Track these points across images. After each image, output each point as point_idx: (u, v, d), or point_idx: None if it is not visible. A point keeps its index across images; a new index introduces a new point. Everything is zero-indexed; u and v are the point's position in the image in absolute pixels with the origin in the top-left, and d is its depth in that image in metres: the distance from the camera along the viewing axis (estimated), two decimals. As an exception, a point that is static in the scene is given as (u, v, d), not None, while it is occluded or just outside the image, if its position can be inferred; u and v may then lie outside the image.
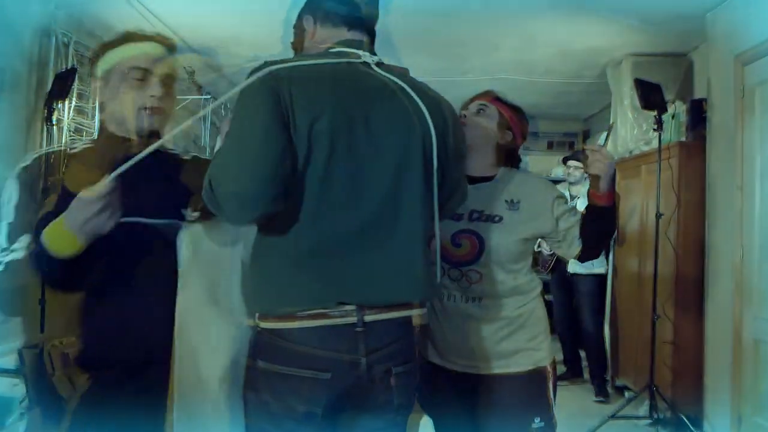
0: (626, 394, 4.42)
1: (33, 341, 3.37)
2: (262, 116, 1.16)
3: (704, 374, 3.59)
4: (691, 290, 3.72)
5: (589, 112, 6.75)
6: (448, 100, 1.43)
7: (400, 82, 1.31)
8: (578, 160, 4.65)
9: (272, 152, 1.14)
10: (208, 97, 5.41)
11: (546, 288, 6.76)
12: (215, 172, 1.17)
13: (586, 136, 7.03)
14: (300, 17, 1.43)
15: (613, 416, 3.69)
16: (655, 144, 4.02)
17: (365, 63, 1.31)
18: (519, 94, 6.14)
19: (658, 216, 3.68)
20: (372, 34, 1.40)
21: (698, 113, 3.76)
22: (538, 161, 6.91)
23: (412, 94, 1.31)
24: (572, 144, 7.01)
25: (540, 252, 4.94)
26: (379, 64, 1.35)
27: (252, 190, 1.13)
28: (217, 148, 1.26)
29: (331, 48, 1.33)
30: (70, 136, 3.87)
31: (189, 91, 5.38)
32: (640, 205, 4.33)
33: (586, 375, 4.83)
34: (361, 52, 1.31)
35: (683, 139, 3.83)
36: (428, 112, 1.31)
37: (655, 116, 3.66)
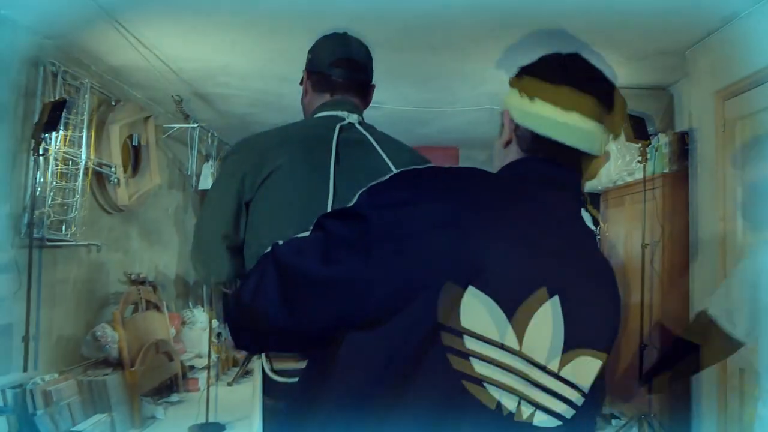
0: (613, 422, 4.43)
1: (17, 381, 3.30)
2: (223, 185, 1.42)
3: (691, 402, 3.62)
4: (677, 319, 3.76)
5: (571, 142, 6.87)
6: (419, 155, 1.54)
7: (370, 137, 1.45)
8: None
9: (219, 219, 1.39)
10: (196, 125, 5.41)
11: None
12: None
13: (569, 165, 7.14)
14: (303, 77, 1.60)
15: (603, 446, 3.69)
16: (638, 175, 4.10)
17: (350, 123, 1.46)
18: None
19: (644, 246, 3.74)
20: (362, 93, 1.57)
21: (681, 145, 3.85)
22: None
23: (377, 147, 1.44)
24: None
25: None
26: (361, 124, 1.50)
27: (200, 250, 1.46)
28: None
29: (318, 113, 1.50)
30: (57, 166, 3.84)
31: (176, 119, 5.38)
32: (624, 235, 4.40)
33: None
34: (345, 114, 1.46)
35: (667, 170, 3.91)
36: (391, 161, 1.42)
37: (640, 148, 3.74)
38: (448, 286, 0.77)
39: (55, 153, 3.80)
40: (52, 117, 3.39)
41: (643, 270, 3.75)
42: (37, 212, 3.61)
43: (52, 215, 3.81)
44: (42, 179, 3.70)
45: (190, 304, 6.29)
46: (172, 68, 4.39)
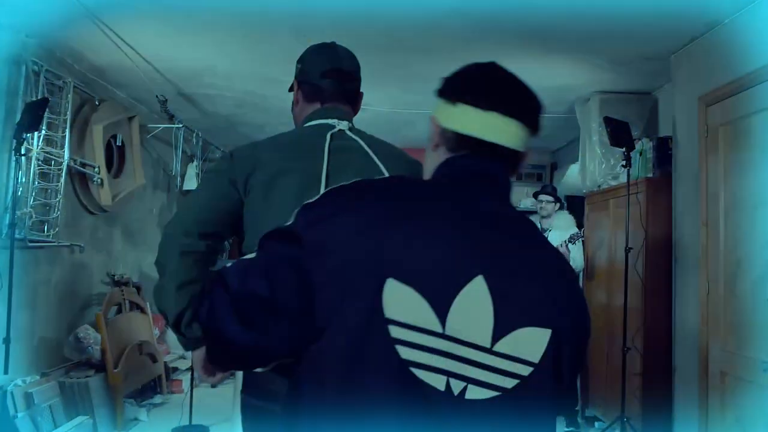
0: (596, 424, 4.46)
1: (-2, 381, 3.24)
2: (208, 185, 1.53)
3: (673, 405, 3.65)
4: (660, 323, 3.80)
5: (558, 145, 6.90)
6: (409, 157, 1.60)
7: (361, 142, 1.53)
8: (548, 193, 4.76)
9: (200, 214, 1.48)
10: (180, 126, 5.37)
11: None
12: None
13: (554, 167, 7.17)
14: (293, 85, 1.66)
15: (586, 449, 3.72)
16: (622, 179, 4.13)
17: (340, 130, 1.52)
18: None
19: (628, 250, 3.76)
20: (351, 101, 1.64)
21: (664, 150, 3.88)
22: (507, 192, 7.02)
23: (369, 151, 1.51)
24: (541, 176, 7.14)
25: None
26: (351, 129, 1.57)
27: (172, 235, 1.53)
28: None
29: (309, 121, 1.57)
30: (39, 166, 3.80)
31: (161, 119, 5.34)
32: (608, 239, 4.43)
33: (557, 406, 4.86)
34: (336, 122, 1.53)
35: (650, 175, 3.95)
36: (384, 165, 1.49)
37: (623, 153, 3.77)
38: (371, 283, 0.85)
39: (37, 153, 3.76)
40: (34, 116, 3.35)
41: (626, 274, 3.78)
42: (18, 213, 3.57)
43: (33, 216, 3.77)
44: (24, 179, 3.66)
45: (174, 305, 6.24)
46: (157, 68, 4.36)
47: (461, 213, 0.94)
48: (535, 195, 4.91)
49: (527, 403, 0.91)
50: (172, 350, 5.53)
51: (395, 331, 0.85)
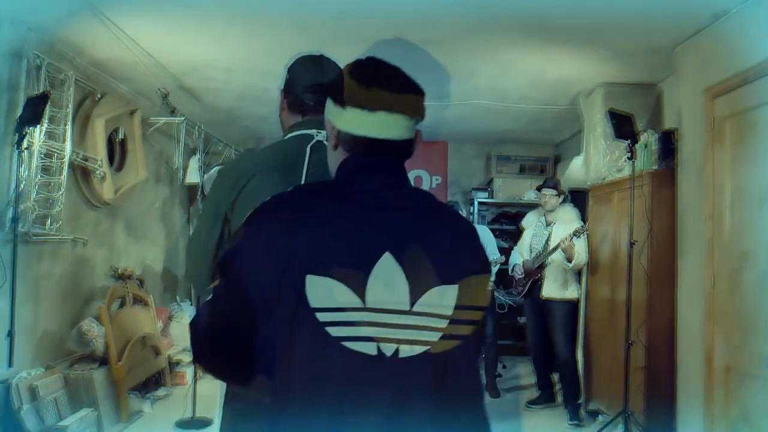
0: (599, 417, 4.46)
1: (2, 376, 3.28)
2: (211, 205, 1.68)
3: (677, 399, 3.64)
4: (664, 317, 3.78)
5: (560, 138, 6.88)
6: None
7: None
8: (552, 187, 4.74)
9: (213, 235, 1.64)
10: (182, 119, 5.35)
11: (520, 311, 6.82)
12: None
13: (557, 161, 7.14)
14: (281, 93, 1.79)
15: (589, 442, 3.72)
16: (626, 171, 4.11)
17: (319, 141, 1.63)
18: (493, 119, 6.30)
19: (632, 243, 3.75)
20: None
21: (669, 143, 3.86)
22: (510, 184, 7.00)
23: None
24: (543, 168, 7.11)
25: (513, 276, 4.99)
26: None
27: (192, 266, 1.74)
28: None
29: (291, 132, 1.70)
30: (41, 160, 3.79)
31: (162, 113, 5.33)
32: (612, 232, 4.41)
33: (559, 399, 4.87)
34: (315, 132, 1.64)
35: (655, 167, 3.92)
36: None
37: (628, 145, 3.74)
38: (293, 282, 1.01)
39: (39, 147, 3.75)
40: (36, 110, 3.34)
41: (630, 267, 3.76)
42: (21, 207, 3.56)
43: (36, 210, 3.76)
44: (26, 173, 3.65)
45: (177, 298, 6.25)
46: (158, 61, 4.34)
47: (364, 204, 1.09)
48: (539, 188, 4.89)
49: (453, 351, 1.06)
50: (175, 343, 5.54)
51: (322, 316, 1.00)
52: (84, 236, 4.48)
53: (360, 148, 1.12)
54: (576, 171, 5.63)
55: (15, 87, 3.61)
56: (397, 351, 1.02)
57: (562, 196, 4.83)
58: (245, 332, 1.08)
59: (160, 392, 4.83)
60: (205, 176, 5.69)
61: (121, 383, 4.18)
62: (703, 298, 3.34)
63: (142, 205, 5.63)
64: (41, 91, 3.60)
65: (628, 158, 3.77)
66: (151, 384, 4.84)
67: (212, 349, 1.15)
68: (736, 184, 3.13)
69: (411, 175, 7.12)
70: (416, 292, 1.03)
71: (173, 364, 5.20)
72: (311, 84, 1.72)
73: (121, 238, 5.19)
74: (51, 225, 3.95)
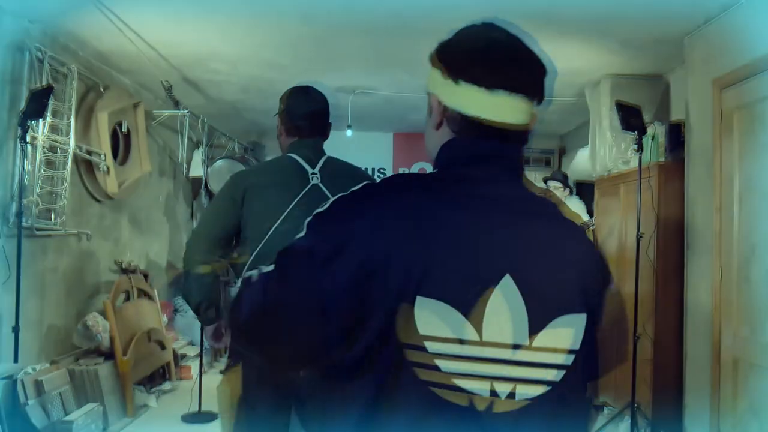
0: (605, 410, 4.44)
1: (7, 371, 3.27)
2: (216, 205, 2.19)
3: (684, 392, 3.63)
4: (671, 309, 3.76)
5: (566, 130, 6.84)
6: (357, 176, 2.16)
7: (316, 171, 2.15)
8: (558, 180, 4.71)
9: (213, 229, 2.14)
10: (186, 112, 5.33)
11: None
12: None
13: (563, 153, 7.11)
14: (278, 119, 2.25)
15: (596, 436, 3.71)
16: (633, 163, 4.07)
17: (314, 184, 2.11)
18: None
19: (640, 236, 3.72)
20: (321, 133, 2.22)
21: (677, 135, 3.82)
22: (515, 177, 6.96)
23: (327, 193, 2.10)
24: (549, 161, 7.08)
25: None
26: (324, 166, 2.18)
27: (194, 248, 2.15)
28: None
29: (289, 152, 2.17)
30: (44, 154, 3.77)
31: (166, 105, 5.30)
32: (619, 224, 4.38)
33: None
34: (309, 172, 2.12)
35: (662, 159, 3.89)
36: (326, 187, 2.11)
37: (635, 137, 3.71)
38: (398, 303, 0.83)
39: (43, 140, 3.73)
40: (39, 104, 3.32)
41: (638, 260, 3.74)
42: (25, 201, 3.55)
43: (40, 204, 3.75)
44: (30, 167, 3.64)
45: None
46: (161, 54, 4.31)
47: (478, 207, 0.90)
48: (545, 181, 4.86)
49: (577, 388, 0.92)
50: (181, 337, 5.54)
51: (433, 347, 0.83)
52: (88, 230, 4.47)
53: (472, 131, 0.93)
54: (582, 163, 5.60)
55: (17, 80, 3.59)
56: (513, 391, 0.87)
57: (568, 190, 4.80)
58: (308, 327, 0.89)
59: (166, 386, 4.84)
60: (209, 169, 5.69)
61: (126, 377, 4.18)
62: (711, 291, 3.31)
63: (147, 199, 5.62)
64: (44, 84, 3.57)
65: (636, 150, 3.73)
66: (156, 378, 4.84)
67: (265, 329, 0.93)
68: (745, 176, 3.10)
69: (415, 167, 7.06)
70: (536, 323, 0.87)
71: (178, 358, 5.20)
72: (305, 113, 2.16)
73: (125, 231, 5.18)
74: (55, 219, 3.94)
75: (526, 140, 0.97)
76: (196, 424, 4.13)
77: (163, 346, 4.89)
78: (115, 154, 4.74)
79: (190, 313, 5.69)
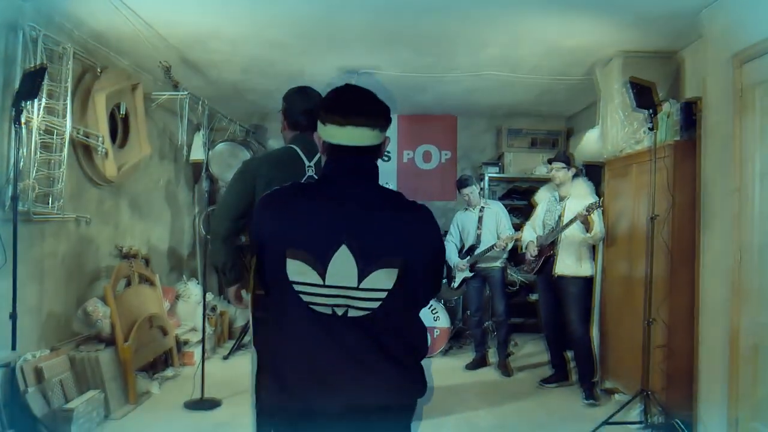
0: (615, 396, 4.37)
1: (5, 358, 3.18)
2: (234, 187, 2.59)
3: (698, 378, 3.54)
4: (685, 293, 3.66)
5: (573, 111, 6.70)
6: None
7: (311, 164, 2.59)
8: (562, 161, 4.57)
9: (234, 206, 2.57)
10: (185, 94, 5.21)
11: (531, 289, 6.70)
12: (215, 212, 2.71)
13: (570, 134, 6.97)
14: (281, 115, 2.74)
15: (609, 422, 3.63)
16: (645, 143, 3.95)
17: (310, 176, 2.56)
18: (503, 92, 6.12)
19: (653, 217, 3.61)
20: None
21: (691, 113, 3.70)
22: (521, 159, 6.84)
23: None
24: (555, 142, 6.95)
25: (527, 253, 4.86)
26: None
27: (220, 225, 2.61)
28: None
29: (291, 143, 2.65)
30: (40, 136, 3.67)
31: (165, 87, 5.18)
32: (631, 206, 4.26)
33: (573, 378, 4.78)
34: (306, 164, 2.57)
35: (677, 138, 3.76)
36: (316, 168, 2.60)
37: (648, 116, 3.58)
38: (279, 258, 1.50)
39: (38, 123, 3.63)
40: (33, 84, 3.21)
41: (651, 243, 3.63)
42: (20, 185, 3.45)
43: (37, 188, 3.66)
44: (25, 151, 3.53)
45: (184, 277, 6.17)
46: (159, 33, 4.19)
47: (335, 199, 1.51)
48: (549, 161, 4.73)
49: (389, 313, 1.50)
50: (183, 322, 5.47)
51: (296, 287, 1.49)
52: (87, 215, 4.38)
53: (338, 153, 1.55)
54: (591, 144, 5.47)
55: (11, 60, 3.48)
56: (346, 312, 1.49)
57: (574, 170, 4.65)
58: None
59: (168, 373, 4.77)
60: (210, 153, 5.57)
61: (128, 364, 4.11)
62: (727, 274, 3.21)
63: (147, 183, 5.52)
64: (38, 64, 3.46)
65: (649, 129, 3.61)
66: (158, 364, 4.77)
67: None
68: (766, 155, 2.98)
69: (420, 150, 6.94)
70: (363, 274, 1.47)
71: (181, 344, 5.13)
72: (304, 109, 2.62)
73: (125, 216, 5.09)
74: (53, 203, 3.85)
75: (379, 151, 1.59)
76: (199, 411, 4.06)
77: (165, 332, 4.81)
78: (113, 137, 4.63)
79: (193, 297, 5.62)
